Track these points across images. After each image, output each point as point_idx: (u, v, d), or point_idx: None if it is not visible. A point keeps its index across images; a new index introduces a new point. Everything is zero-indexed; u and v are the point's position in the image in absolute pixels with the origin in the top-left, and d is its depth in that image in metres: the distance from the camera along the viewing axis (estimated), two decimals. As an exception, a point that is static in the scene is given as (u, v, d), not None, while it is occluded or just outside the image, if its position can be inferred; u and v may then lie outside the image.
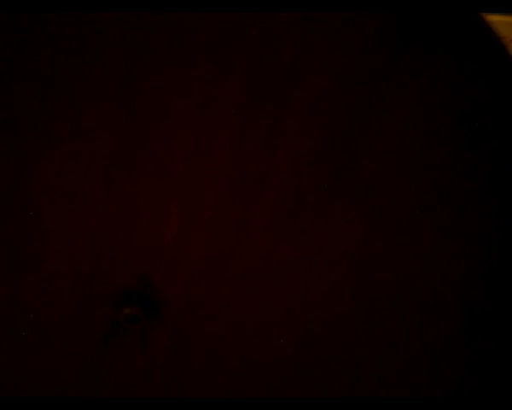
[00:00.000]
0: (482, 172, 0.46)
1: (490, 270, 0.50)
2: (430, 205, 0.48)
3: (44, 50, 0.44)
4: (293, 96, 0.43)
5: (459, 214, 0.48)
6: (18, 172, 0.49)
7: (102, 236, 0.52)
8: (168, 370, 0.63)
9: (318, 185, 0.48)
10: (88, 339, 0.60)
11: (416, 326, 0.57)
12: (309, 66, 0.42)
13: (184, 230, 0.51)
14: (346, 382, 0.61)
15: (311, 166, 0.46)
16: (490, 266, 0.50)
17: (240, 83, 0.44)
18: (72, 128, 0.47)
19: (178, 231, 0.52)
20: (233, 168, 0.48)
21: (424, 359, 0.58)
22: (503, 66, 0.44)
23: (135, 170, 0.49)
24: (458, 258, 0.50)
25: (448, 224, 0.49)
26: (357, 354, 0.59)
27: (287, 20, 0.42)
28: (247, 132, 0.46)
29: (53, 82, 0.45)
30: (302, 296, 0.55)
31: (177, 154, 0.47)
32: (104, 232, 0.52)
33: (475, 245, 0.49)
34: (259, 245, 0.53)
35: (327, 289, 0.54)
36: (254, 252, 0.53)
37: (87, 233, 0.52)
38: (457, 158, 0.45)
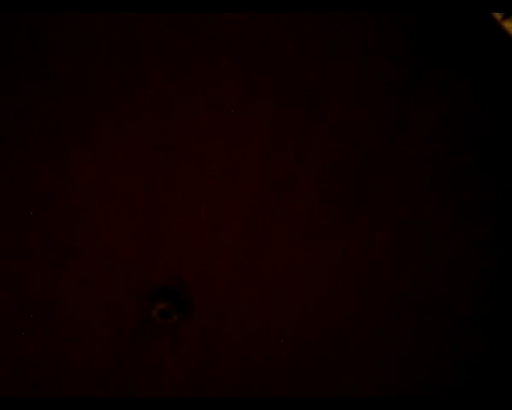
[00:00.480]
0: (498, 191, 0.47)
1: (497, 277, 0.52)
2: (448, 216, 0.50)
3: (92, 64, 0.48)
4: (317, 115, 0.46)
5: (475, 226, 0.50)
6: (59, 175, 0.53)
7: (138, 235, 0.56)
8: (196, 365, 0.66)
9: (341, 198, 0.51)
10: (122, 333, 0.64)
11: (431, 330, 0.58)
12: (332, 89, 0.45)
13: (215, 233, 0.55)
14: (371, 380, 0.63)
15: (335, 180, 0.49)
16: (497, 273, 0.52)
17: (269, 100, 0.47)
18: (114, 135, 0.51)
19: (209, 234, 0.55)
20: (262, 178, 0.51)
21: (429, 360, 0.60)
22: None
23: (170, 173, 0.53)
24: (471, 265, 0.52)
25: (462, 235, 0.50)
26: (381, 353, 0.61)
27: (308, 42, 0.45)
28: (276, 145, 0.50)
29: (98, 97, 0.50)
30: (326, 299, 0.58)
31: (208, 163, 0.51)
32: (140, 232, 0.56)
33: (486, 252, 0.51)
34: (284, 252, 0.55)
35: (349, 293, 0.56)
36: (279, 259, 0.56)
37: (125, 233, 0.56)
38: (475, 175, 0.47)
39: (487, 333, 0.56)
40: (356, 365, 0.62)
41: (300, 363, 0.64)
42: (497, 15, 0.70)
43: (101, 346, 0.68)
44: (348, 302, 0.57)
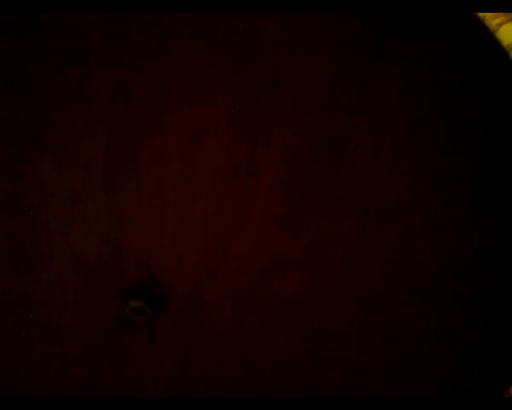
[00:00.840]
0: (470, 161, 0.46)
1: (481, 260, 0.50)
2: (420, 193, 0.48)
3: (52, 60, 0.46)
4: (276, 95, 0.44)
5: (448, 203, 0.48)
6: (19, 176, 0.51)
7: (104, 234, 0.54)
8: (176, 359, 0.65)
9: (311, 178, 0.49)
10: (98, 334, 0.63)
11: (414, 313, 0.57)
12: (290, 67, 0.43)
13: (182, 225, 0.53)
14: (347, 371, 0.62)
15: (302, 160, 0.47)
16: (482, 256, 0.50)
17: (228, 83, 0.45)
18: (71, 130, 0.49)
19: (176, 226, 0.54)
20: (226, 162, 0.49)
21: (423, 349, 0.59)
22: (490, 56, 0.44)
23: (130, 169, 0.51)
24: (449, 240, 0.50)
25: (440, 213, 0.49)
26: (359, 342, 0.60)
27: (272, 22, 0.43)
28: (236, 129, 0.48)
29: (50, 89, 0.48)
30: (301, 287, 0.57)
31: (170, 151, 0.49)
32: (106, 231, 0.54)
33: (466, 233, 0.49)
34: (256, 237, 0.54)
35: (326, 278, 0.55)
36: (251, 244, 0.54)
37: (90, 232, 0.54)
38: (445, 145, 0.46)
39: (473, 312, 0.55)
40: (330, 359, 0.61)
41: (281, 354, 0.62)
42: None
43: (80, 347, 0.67)
44: (329, 288, 0.56)
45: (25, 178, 0.52)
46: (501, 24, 0.50)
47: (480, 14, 0.44)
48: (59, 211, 0.54)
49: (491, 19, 0.48)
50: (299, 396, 0.64)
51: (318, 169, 0.49)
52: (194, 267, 0.56)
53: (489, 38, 0.44)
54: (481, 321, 0.56)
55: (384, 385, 0.63)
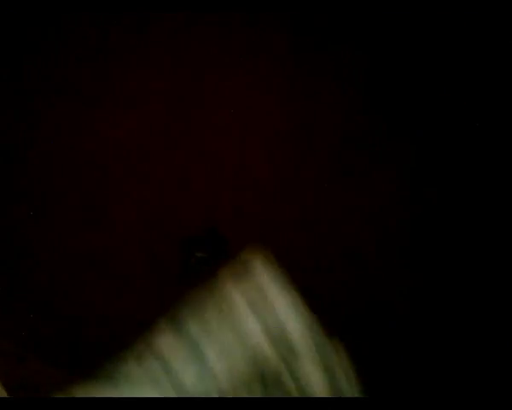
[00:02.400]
0: None
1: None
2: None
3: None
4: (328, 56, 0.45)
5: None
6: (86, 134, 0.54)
7: (168, 186, 0.57)
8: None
9: (366, 137, 0.50)
10: (164, 282, 0.67)
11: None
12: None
13: (241, 183, 0.55)
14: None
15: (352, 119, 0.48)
16: None
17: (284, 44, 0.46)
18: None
19: (238, 183, 0.56)
20: (286, 121, 0.50)
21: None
22: None
23: (193, 125, 0.53)
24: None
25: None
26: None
27: None
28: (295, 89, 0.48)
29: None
30: (355, 240, 0.58)
31: (227, 111, 0.50)
32: (168, 183, 0.57)
33: None
34: (313, 194, 0.55)
35: (377, 231, 0.56)
36: (308, 200, 0.55)
37: (153, 185, 0.57)
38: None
39: None
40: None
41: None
42: None
43: (149, 294, 0.71)
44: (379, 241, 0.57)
45: (93, 136, 0.55)
46: None
47: None
48: (120, 164, 0.56)
49: None
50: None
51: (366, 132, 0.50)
52: (254, 221, 0.58)
53: None
54: None
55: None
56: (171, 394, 0.33)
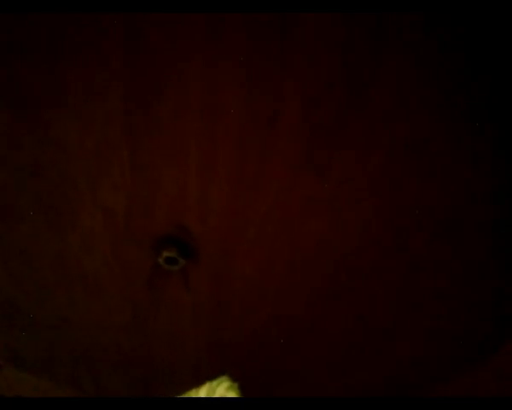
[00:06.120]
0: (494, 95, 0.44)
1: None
2: (443, 128, 0.47)
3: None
4: (291, 44, 0.43)
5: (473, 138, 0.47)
6: (42, 140, 0.52)
7: (131, 190, 0.55)
8: (211, 300, 0.67)
9: (330, 119, 0.48)
10: (135, 284, 0.65)
11: (446, 246, 0.57)
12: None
13: (207, 178, 0.53)
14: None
15: (320, 102, 0.46)
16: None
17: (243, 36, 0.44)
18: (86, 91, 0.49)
19: (202, 180, 0.54)
20: (245, 111, 0.48)
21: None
22: None
23: (153, 126, 0.51)
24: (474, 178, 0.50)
25: (463, 147, 0.48)
26: (384, 279, 0.61)
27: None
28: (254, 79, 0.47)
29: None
30: (328, 229, 0.57)
31: (190, 105, 0.48)
32: (133, 187, 0.55)
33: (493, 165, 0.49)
34: (280, 184, 0.54)
35: (352, 218, 0.55)
36: (275, 191, 0.54)
37: (117, 188, 0.55)
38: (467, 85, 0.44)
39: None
40: (357, 292, 0.62)
41: (312, 286, 0.64)
42: None
43: (119, 297, 0.69)
44: (356, 227, 0.56)
45: (48, 141, 0.53)
46: None
47: None
48: (82, 168, 0.54)
49: None
50: (329, 334, 0.66)
51: (336, 111, 0.48)
52: (221, 217, 0.57)
53: None
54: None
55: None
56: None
